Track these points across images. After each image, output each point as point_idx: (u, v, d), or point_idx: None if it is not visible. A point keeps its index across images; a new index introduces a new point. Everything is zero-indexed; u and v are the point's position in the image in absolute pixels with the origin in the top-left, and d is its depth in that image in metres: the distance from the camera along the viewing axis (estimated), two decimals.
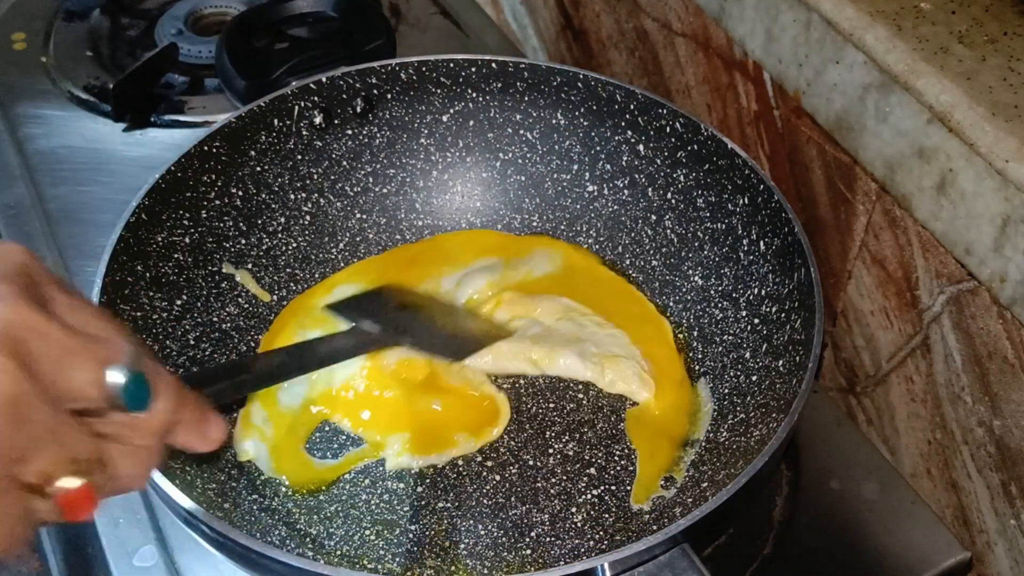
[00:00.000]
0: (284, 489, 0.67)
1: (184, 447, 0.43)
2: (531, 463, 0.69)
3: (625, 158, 0.81)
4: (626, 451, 0.70)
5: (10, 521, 0.35)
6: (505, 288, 0.78)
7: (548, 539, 0.65)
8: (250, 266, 0.78)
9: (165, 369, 0.41)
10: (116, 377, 0.37)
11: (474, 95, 0.83)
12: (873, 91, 0.63)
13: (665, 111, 0.76)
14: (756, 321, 0.73)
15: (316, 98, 0.80)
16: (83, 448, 0.36)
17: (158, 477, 0.55)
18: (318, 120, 0.80)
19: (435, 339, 0.69)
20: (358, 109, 0.82)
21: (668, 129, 0.77)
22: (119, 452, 0.38)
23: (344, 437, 0.71)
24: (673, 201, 0.80)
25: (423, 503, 0.67)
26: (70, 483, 0.36)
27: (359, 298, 0.74)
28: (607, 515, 0.66)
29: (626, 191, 0.82)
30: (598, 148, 0.82)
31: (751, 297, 0.73)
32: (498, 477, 0.69)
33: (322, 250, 0.82)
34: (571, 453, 0.70)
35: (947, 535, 0.67)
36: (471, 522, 0.66)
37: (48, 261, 0.83)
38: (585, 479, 0.68)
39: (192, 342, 0.72)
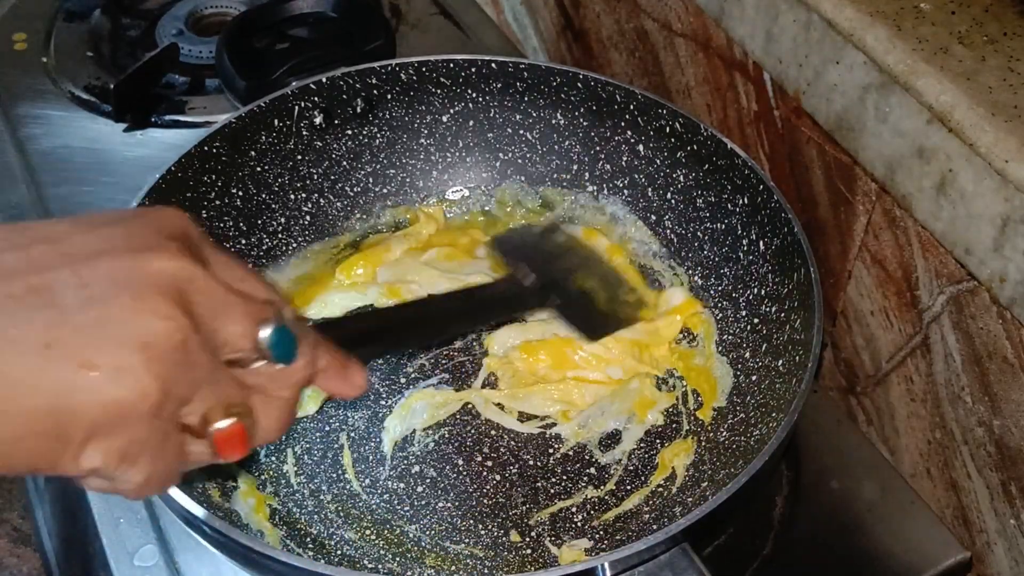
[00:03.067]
0: (284, 489, 0.67)
1: (331, 392, 0.46)
2: (531, 463, 0.69)
3: (625, 158, 0.81)
4: (627, 451, 0.70)
5: (171, 459, 0.38)
6: None
7: (548, 538, 0.65)
8: (250, 266, 0.78)
9: (308, 326, 0.43)
10: (266, 331, 0.39)
11: (474, 95, 0.83)
12: (873, 91, 0.63)
13: (665, 111, 0.77)
14: (756, 321, 0.73)
15: (316, 98, 0.80)
16: (235, 393, 0.39)
17: None
18: (318, 120, 0.80)
19: (579, 312, 0.68)
20: (358, 109, 0.82)
21: (668, 129, 0.77)
22: (261, 402, 0.41)
23: None
24: (673, 201, 0.80)
25: (423, 503, 0.67)
26: (224, 424, 0.39)
27: (525, 235, 0.74)
28: (607, 515, 0.66)
29: (626, 191, 0.82)
30: (598, 148, 0.82)
31: (751, 297, 0.73)
32: (498, 477, 0.69)
33: (322, 250, 0.82)
34: (571, 453, 0.70)
35: (947, 535, 0.67)
36: (471, 522, 0.66)
37: None
38: (585, 479, 0.69)
39: None
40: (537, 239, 0.73)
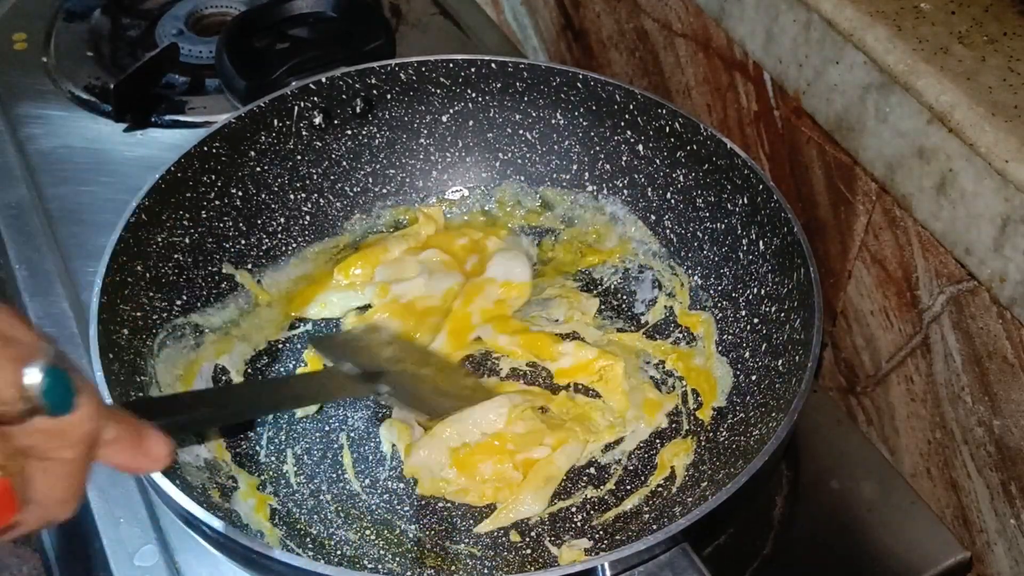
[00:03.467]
0: (285, 489, 0.67)
1: (121, 467, 0.40)
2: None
3: (624, 158, 0.81)
4: (627, 451, 0.70)
5: None
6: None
7: (548, 539, 0.65)
8: (250, 266, 0.78)
9: (87, 382, 0.38)
10: (34, 376, 0.34)
11: (474, 95, 0.83)
12: (873, 91, 0.63)
13: (664, 111, 0.77)
14: (755, 321, 0.73)
15: (316, 98, 0.80)
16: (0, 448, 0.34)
17: (158, 477, 0.55)
18: (318, 120, 0.80)
19: (415, 394, 0.68)
20: (358, 109, 0.82)
21: (667, 129, 0.77)
22: (41, 470, 0.35)
23: None
24: (672, 201, 0.80)
25: (423, 503, 0.67)
26: None
27: (345, 336, 0.74)
28: (607, 515, 0.66)
29: (625, 191, 0.82)
30: (597, 148, 0.82)
31: (750, 297, 0.73)
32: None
33: (322, 250, 0.82)
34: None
35: (947, 535, 0.67)
36: (471, 522, 0.66)
37: (48, 261, 0.83)
38: (585, 479, 0.69)
39: (193, 343, 0.72)
40: (359, 338, 0.73)
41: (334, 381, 0.66)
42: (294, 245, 0.81)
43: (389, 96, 0.82)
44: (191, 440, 0.65)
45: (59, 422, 0.35)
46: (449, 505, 0.67)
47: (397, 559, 0.64)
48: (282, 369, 0.75)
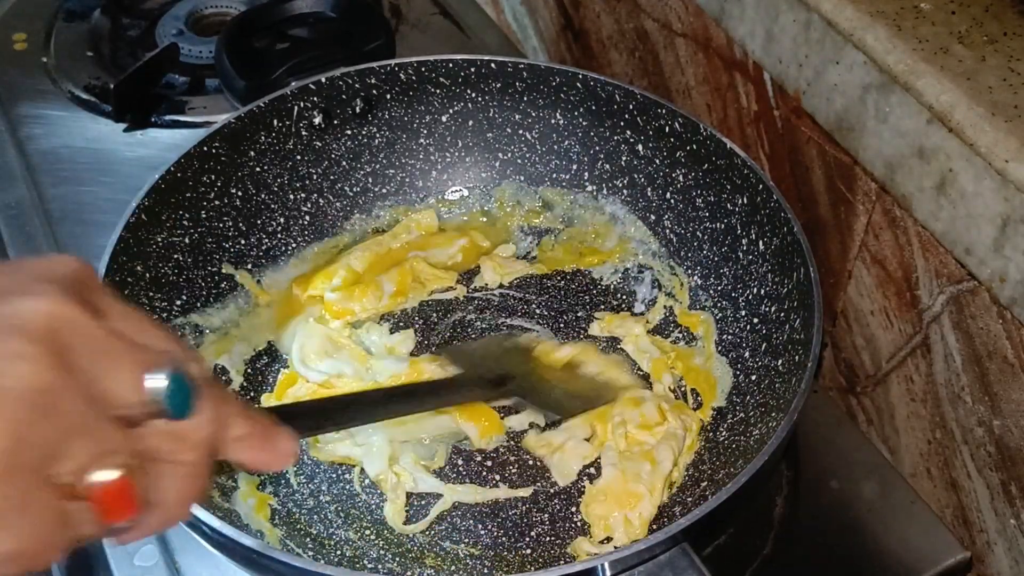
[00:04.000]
0: (285, 489, 0.67)
1: (251, 465, 0.41)
2: (531, 463, 0.69)
3: (624, 158, 0.81)
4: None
5: (43, 524, 0.34)
6: None
7: (548, 539, 0.65)
8: (250, 266, 0.78)
9: (221, 383, 0.39)
10: (156, 381, 0.35)
11: (473, 95, 0.83)
12: (873, 91, 0.63)
13: (664, 111, 0.76)
14: (755, 321, 0.73)
15: (316, 98, 0.80)
16: (120, 447, 0.35)
17: None
18: (317, 120, 0.80)
19: (545, 396, 0.70)
20: (357, 109, 0.82)
21: (667, 129, 0.77)
22: (162, 473, 0.37)
23: None
24: (672, 201, 0.80)
25: (423, 503, 0.67)
26: (105, 476, 0.34)
27: (474, 345, 0.75)
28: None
29: (625, 191, 0.82)
30: (597, 148, 0.82)
31: (750, 297, 0.73)
32: (498, 477, 0.69)
33: (322, 250, 0.82)
34: None
35: (947, 535, 0.67)
36: (471, 522, 0.66)
37: None
38: (585, 479, 0.68)
39: (192, 343, 0.72)
40: (486, 347, 0.74)
41: (464, 386, 0.67)
42: (294, 245, 0.81)
43: (389, 96, 0.82)
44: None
45: (179, 426, 0.36)
46: (449, 505, 0.67)
47: (397, 559, 0.64)
48: (282, 369, 0.75)
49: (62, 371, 0.33)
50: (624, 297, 0.80)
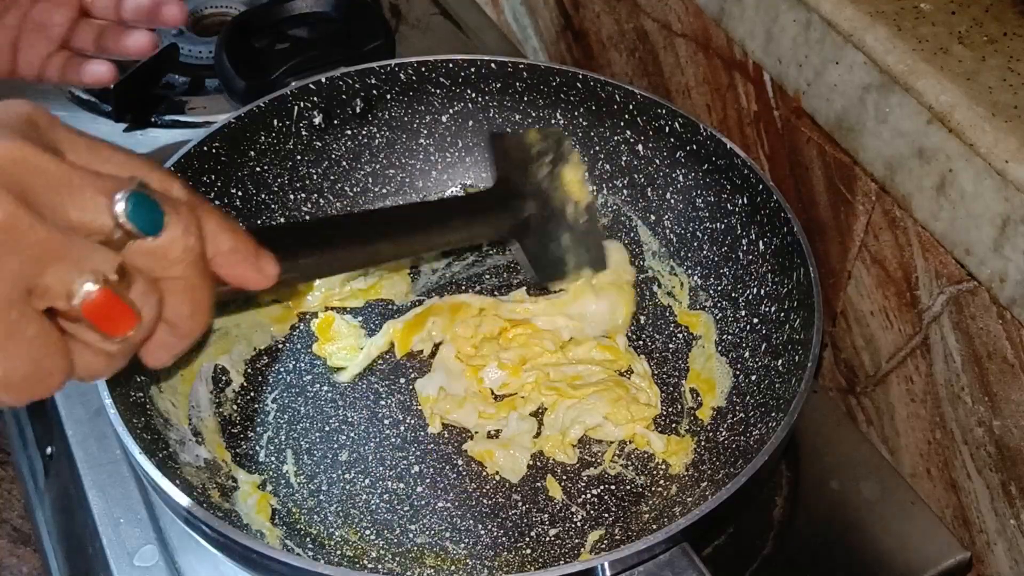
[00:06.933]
0: (285, 489, 0.67)
1: (235, 280, 0.43)
2: (531, 463, 0.69)
3: (624, 158, 0.81)
4: (625, 451, 0.70)
5: (34, 349, 0.35)
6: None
7: (548, 539, 0.65)
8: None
9: (202, 199, 0.41)
10: (121, 203, 0.37)
11: (473, 95, 0.83)
12: (873, 91, 0.63)
13: (664, 111, 0.77)
14: (755, 321, 0.73)
15: (316, 98, 0.80)
16: (98, 264, 0.36)
17: (158, 477, 0.55)
18: (318, 120, 0.80)
19: (545, 254, 0.67)
20: (357, 109, 0.82)
21: (667, 129, 0.77)
22: (162, 290, 0.39)
23: None
24: (672, 201, 0.80)
25: (423, 503, 0.67)
26: (86, 290, 0.36)
27: (517, 137, 0.71)
28: (607, 514, 0.66)
29: (625, 191, 0.82)
30: (597, 148, 0.82)
31: (750, 297, 0.73)
32: (498, 477, 0.69)
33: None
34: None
35: (947, 535, 0.67)
36: (471, 522, 0.66)
37: None
38: (584, 479, 0.69)
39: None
40: (536, 147, 0.70)
41: (477, 218, 0.62)
42: None
43: (389, 96, 0.82)
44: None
45: (155, 243, 0.38)
46: (449, 505, 0.67)
47: (397, 559, 0.64)
48: (282, 369, 0.75)
49: (22, 206, 0.34)
50: None
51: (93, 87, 0.93)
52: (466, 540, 0.65)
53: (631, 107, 0.78)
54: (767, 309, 0.71)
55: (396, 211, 0.63)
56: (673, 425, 0.71)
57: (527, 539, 0.65)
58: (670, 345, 0.76)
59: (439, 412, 0.71)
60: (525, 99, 0.82)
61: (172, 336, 0.41)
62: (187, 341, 0.42)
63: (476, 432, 0.71)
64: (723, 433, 0.70)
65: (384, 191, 0.85)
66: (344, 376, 0.74)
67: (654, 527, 0.64)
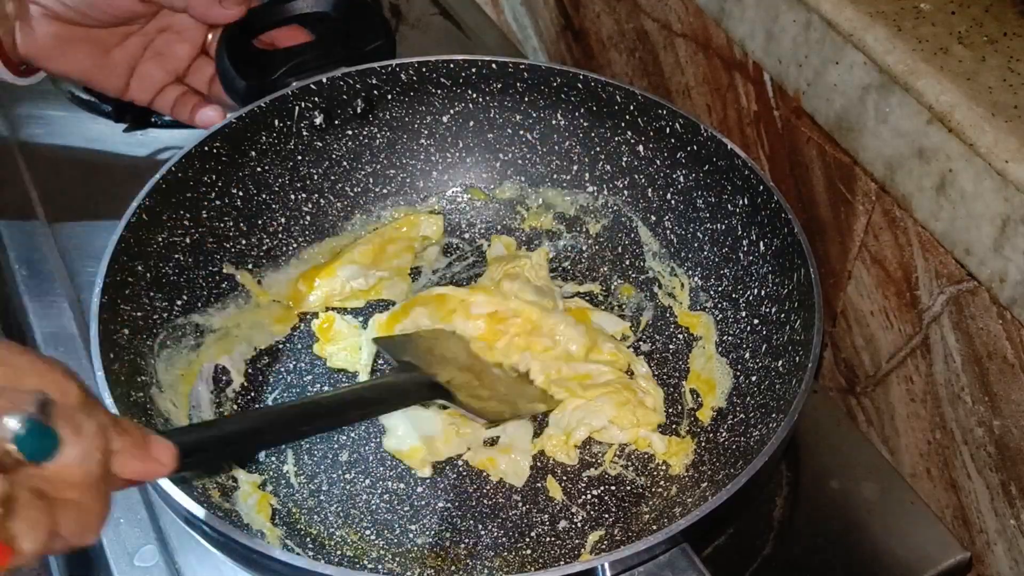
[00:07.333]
0: (285, 489, 0.67)
1: (132, 476, 0.40)
2: (531, 464, 0.69)
3: (625, 159, 0.81)
4: (626, 452, 0.70)
5: None
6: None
7: (548, 539, 0.65)
8: (251, 266, 0.78)
9: (98, 410, 0.38)
10: (11, 426, 0.34)
11: (474, 96, 0.83)
12: (873, 91, 0.63)
13: (665, 112, 0.77)
14: (756, 321, 0.73)
15: (316, 99, 0.80)
16: None
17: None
18: (318, 121, 0.80)
19: (478, 401, 0.68)
20: (358, 110, 0.82)
21: (668, 130, 0.77)
22: (55, 509, 0.36)
23: None
24: (673, 202, 0.80)
25: (423, 503, 0.67)
26: None
27: (412, 337, 0.73)
28: (607, 515, 0.66)
29: (626, 192, 0.82)
30: (598, 149, 0.82)
31: (751, 297, 0.73)
32: (498, 477, 0.69)
33: (322, 250, 0.82)
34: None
35: (947, 535, 0.67)
36: (471, 522, 0.66)
37: (49, 262, 0.83)
38: (585, 480, 0.69)
39: (193, 343, 0.72)
40: (426, 340, 0.73)
41: (395, 389, 0.65)
42: (295, 245, 0.81)
43: (390, 96, 0.82)
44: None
45: (47, 469, 0.35)
46: (449, 506, 0.67)
47: (397, 559, 0.64)
48: (282, 369, 0.75)
49: None
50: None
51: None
52: (466, 540, 0.65)
53: (632, 108, 0.78)
54: (767, 310, 0.71)
55: (314, 406, 0.65)
56: (673, 426, 0.71)
57: (527, 539, 0.65)
58: (670, 346, 0.77)
59: (430, 459, 0.69)
60: (526, 99, 0.82)
61: (54, 543, 0.37)
62: (69, 547, 0.39)
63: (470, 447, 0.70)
64: (723, 434, 0.70)
65: (385, 191, 0.85)
66: (360, 374, 0.74)
67: (654, 528, 0.64)
